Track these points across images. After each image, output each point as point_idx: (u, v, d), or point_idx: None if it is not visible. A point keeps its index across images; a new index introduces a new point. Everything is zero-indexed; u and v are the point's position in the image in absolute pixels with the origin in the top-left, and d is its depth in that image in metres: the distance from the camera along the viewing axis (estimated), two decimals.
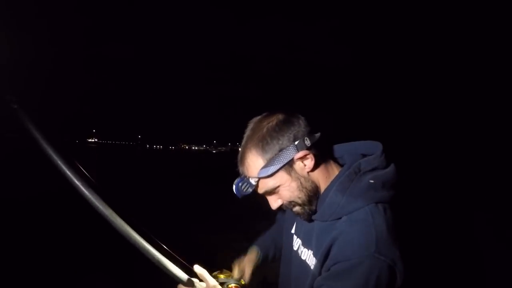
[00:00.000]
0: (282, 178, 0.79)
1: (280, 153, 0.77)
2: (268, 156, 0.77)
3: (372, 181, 0.78)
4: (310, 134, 0.79)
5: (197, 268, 0.84)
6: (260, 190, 0.81)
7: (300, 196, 0.81)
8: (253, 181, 0.79)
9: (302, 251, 0.88)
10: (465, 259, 3.69)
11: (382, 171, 0.81)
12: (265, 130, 0.79)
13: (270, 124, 0.79)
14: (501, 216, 5.90)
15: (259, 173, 0.78)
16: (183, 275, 0.80)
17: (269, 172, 0.77)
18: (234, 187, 0.80)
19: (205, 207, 6.88)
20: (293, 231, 0.98)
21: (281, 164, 0.77)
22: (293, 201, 0.82)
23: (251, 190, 0.80)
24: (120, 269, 3.47)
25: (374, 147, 0.86)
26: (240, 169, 0.83)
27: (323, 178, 0.83)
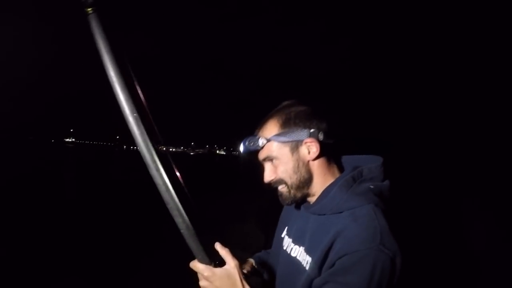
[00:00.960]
0: (284, 153, 0.85)
1: (295, 131, 0.84)
2: (284, 129, 0.85)
3: (372, 187, 0.83)
4: (327, 134, 0.86)
5: (219, 247, 0.81)
6: (262, 153, 0.88)
7: (292, 177, 0.86)
8: (261, 141, 0.86)
9: (292, 248, 0.90)
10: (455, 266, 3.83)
11: (379, 182, 0.86)
12: (293, 108, 0.87)
13: (301, 108, 0.87)
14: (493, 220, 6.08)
15: (270, 137, 0.85)
16: (204, 252, 0.77)
17: (278, 140, 0.85)
18: (242, 142, 0.87)
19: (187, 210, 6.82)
20: (283, 234, 1.00)
21: (290, 139, 0.84)
22: (283, 180, 0.87)
23: (257, 146, 0.86)
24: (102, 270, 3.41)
25: (371, 160, 0.91)
26: (257, 131, 0.90)
27: (320, 173, 0.87)
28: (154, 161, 0.73)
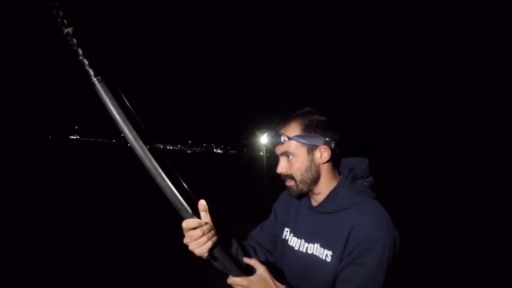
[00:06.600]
0: (301, 152, 0.95)
1: (314, 136, 0.95)
2: (305, 133, 0.95)
3: (366, 184, 1.00)
4: (337, 144, 0.97)
5: (247, 260, 0.91)
6: (282, 148, 0.97)
7: (303, 174, 0.96)
8: (283, 138, 0.95)
9: (307, 247, 1.00)
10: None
11: (367, 178, 1.03)
12: (315, 117, 0.97)
13: (322, 118, 0.97)
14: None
15: (291, 136, 0.95)
16: (238, 269, 0.87)
17: (298, 140, 0.94)
18: (266, 135, 0.97)
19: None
20: (284, 236, 1.09)
21: (309, 143, 0.94)
22: (294, 175, 0.97)
23: (279, 141, 0.95)
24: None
25: (360, 161, 1.05)
26: (279, 127, 0.99)
27: (326, 175, 0.99)
28: (156, 168, 0.72)
